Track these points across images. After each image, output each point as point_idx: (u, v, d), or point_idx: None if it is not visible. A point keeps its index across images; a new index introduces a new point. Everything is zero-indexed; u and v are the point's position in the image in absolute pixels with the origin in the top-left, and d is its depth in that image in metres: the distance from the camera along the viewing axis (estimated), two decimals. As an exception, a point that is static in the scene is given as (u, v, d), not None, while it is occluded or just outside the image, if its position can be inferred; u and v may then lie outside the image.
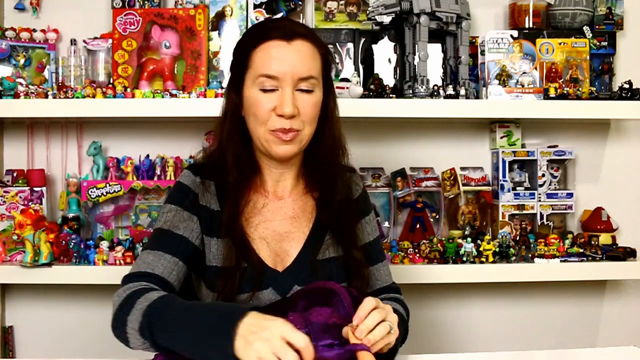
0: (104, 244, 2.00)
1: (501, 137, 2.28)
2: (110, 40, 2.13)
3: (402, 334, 1.27)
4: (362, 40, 2.19)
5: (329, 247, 1.38)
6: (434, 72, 2.13)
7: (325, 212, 1.39)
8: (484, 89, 2.13)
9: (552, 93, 2.10)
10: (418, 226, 2.19)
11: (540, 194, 2.23)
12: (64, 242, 2.01)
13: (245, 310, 1.05)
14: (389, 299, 1.41)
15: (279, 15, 2.17)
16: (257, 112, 1.31)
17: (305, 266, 1.34)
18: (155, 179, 2.09)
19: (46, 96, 1.98)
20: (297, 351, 1.00)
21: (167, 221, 1.33)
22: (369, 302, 1.14)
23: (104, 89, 1.99)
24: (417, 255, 2.08)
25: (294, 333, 1.01)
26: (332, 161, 1.41)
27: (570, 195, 2.25)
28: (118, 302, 1.20)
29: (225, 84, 1.89)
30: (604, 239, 2.22)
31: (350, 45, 2.20)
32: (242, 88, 1.34)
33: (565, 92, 2.11)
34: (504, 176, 2.22)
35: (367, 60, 2.20)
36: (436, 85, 2.06)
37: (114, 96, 1.98)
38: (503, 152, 2.22)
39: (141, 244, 2.00)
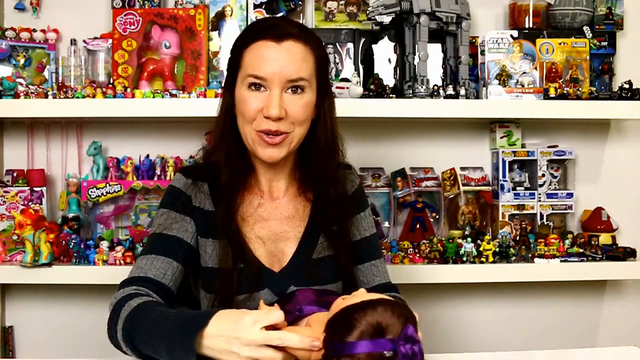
0: (104, 244, 2.00)
1: (501, 137, 2.28)
2: (110, 40, 2.13)
3: None
4: (362, 40, 2.19)
5: (324, 247, 1.37)
6: (434, 72, 2.13)
7: (319, 213, 1.38)
8: (484, 89, 2.13)
9: (552, 93, 2.10)
10: (418, 226, 2.19)
11: (540, 194, 2.23)
12: (64, 242, 2.01)
13: (209, 315, 1.05)
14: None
15: (277, 14, 2.16)
16: (244, 110, 1.30)
17: (300, 266, 1.34)
18: (155, 179, 2.09)
19: (46, 96, 1.98)
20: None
21: (160, 224, 1.33)
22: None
23: (104, 89, 1.99)
24: (417, 255, 2.08)
25: (267, 316, 1.02)
26: (327, 163, 1.39)
27: (570, 195, 2.25)
28: (110, 311, 1.21)
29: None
30: (604, 239, 2.22)
31: (350, 45, 2.20)
32: (235, 87, 1.34)
33: (565, 92, 2.11)
34: (504, 176, 2.22)
35: (367, 60, 2.20)
36: (436, 85, 2.06)
37: (114, 96, 1.98)
38: (503, 152, 2.22)
39: (141, 244, 2.00)
